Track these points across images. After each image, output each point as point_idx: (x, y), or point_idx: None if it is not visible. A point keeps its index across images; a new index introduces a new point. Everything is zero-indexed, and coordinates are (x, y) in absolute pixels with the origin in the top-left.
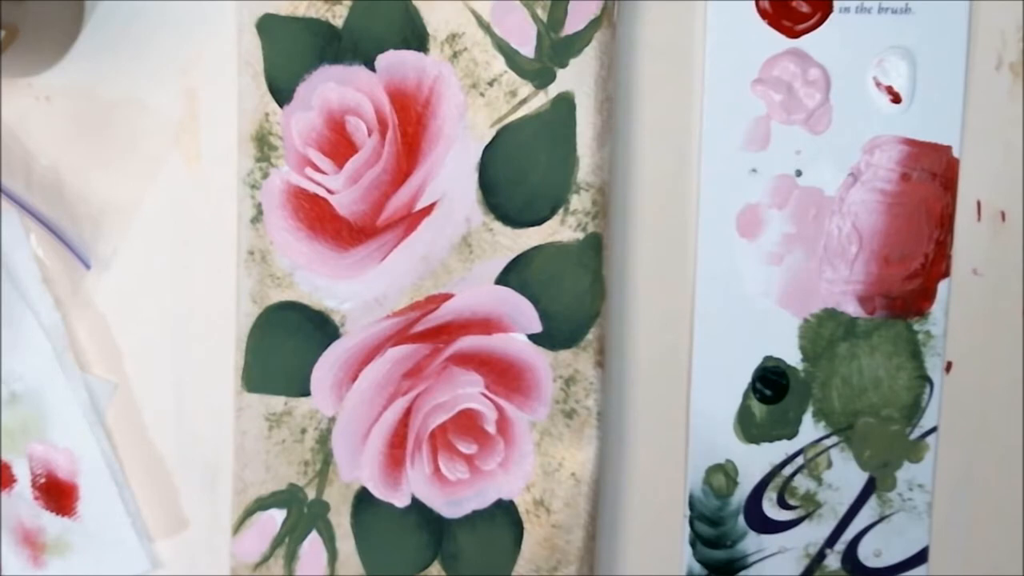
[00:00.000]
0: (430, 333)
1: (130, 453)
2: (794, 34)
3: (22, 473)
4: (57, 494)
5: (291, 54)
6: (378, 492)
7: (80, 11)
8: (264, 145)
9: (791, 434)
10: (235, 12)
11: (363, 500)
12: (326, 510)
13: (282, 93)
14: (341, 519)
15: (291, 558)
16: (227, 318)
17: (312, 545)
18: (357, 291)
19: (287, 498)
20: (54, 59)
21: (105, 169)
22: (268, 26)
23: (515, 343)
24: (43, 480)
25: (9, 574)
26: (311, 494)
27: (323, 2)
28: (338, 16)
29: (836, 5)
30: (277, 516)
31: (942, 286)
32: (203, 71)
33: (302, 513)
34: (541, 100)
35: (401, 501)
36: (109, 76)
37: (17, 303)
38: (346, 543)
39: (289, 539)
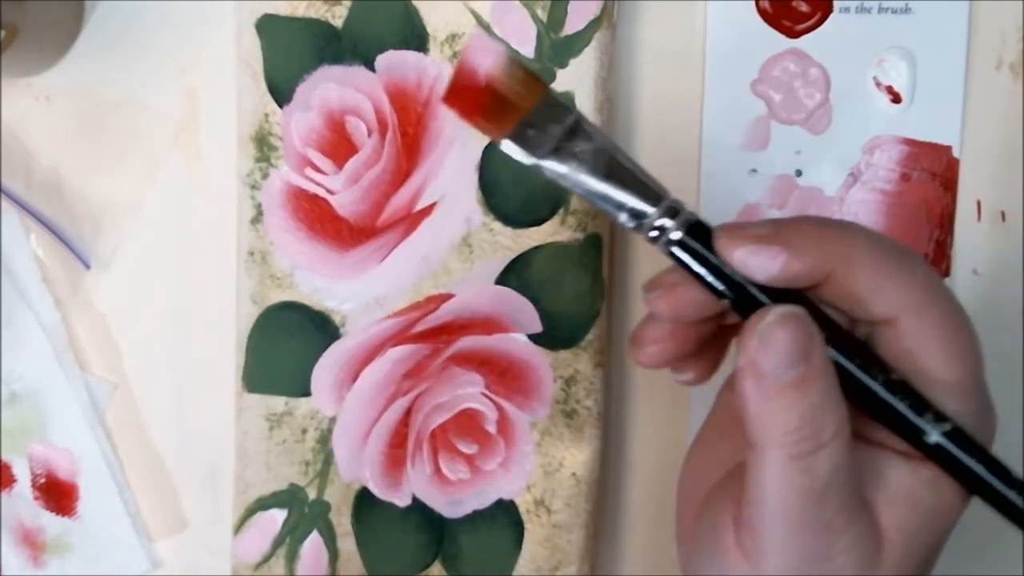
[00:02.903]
0: (430, 333)
1: (130, 453)
2: (794, 34)
3: (22, 473)
4: (57, 494)
5: (291, 54)
6: (379, 492)
7: (80, 11)
8: (264, 145)
9: None
10: (235, 12)
11: (364, 500)
12: (327, 510)
13: (282, 93)
14: (342, 519)
15: (292, 558)
16: (227, 318)
17: (313, 545)
18: (357, 291)
19: (288, 498)
20: (54, 59)
21: (105, 169)
22: (268, 26)
23: (515, 343)
24: (43, 480)
25: (9, 574)
26: (312, 494)
27: (323, 2)
28: (338, 16)
29: (836, 5)
30: (278, 516)
31: None
32: (203, 71)
33: (303, 513)
34: None
35: (402, 501)
36: (109, 76)
37: (17, 303)
38: (347, 543)
39: (290, 539)
